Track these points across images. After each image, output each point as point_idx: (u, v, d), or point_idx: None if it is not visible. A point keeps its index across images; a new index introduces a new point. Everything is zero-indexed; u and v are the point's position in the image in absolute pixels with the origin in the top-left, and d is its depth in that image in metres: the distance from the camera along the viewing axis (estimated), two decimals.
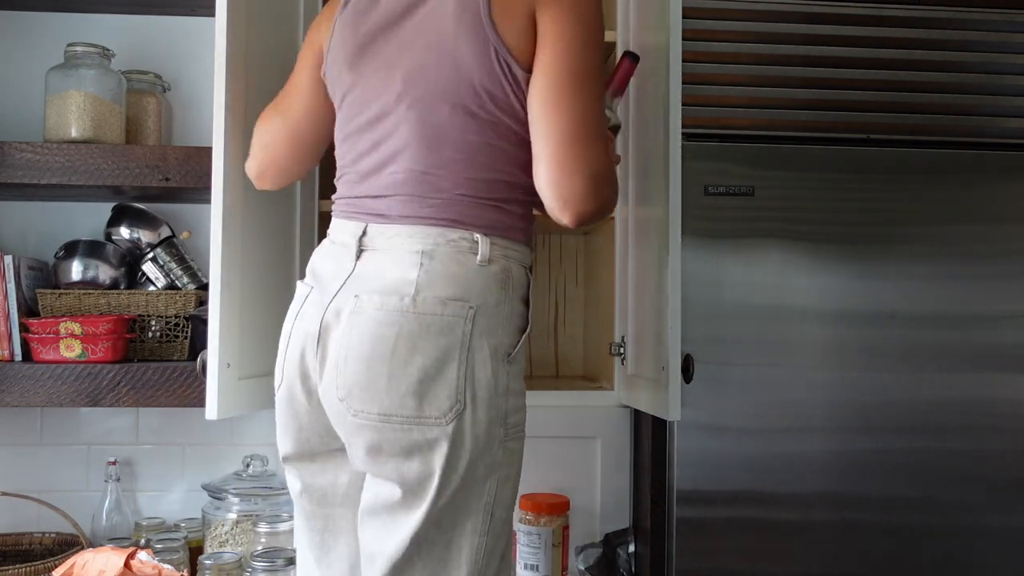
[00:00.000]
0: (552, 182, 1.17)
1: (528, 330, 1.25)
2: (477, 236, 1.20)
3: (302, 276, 1.34)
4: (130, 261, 1.98)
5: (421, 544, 1.16)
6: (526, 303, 1.26)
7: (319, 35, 1.38)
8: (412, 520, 1.16)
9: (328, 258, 1.27)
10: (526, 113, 1.21)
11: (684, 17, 1.52)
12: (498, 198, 1.23)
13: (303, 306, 1.27)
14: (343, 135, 1.31)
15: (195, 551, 1.90)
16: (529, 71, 1.20)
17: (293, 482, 1.33)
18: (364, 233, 1.23)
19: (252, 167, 1.44)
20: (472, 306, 1.17)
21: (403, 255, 1.19)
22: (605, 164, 1.19)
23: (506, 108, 1.21)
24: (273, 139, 1.41)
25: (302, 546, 1.36)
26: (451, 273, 1.18)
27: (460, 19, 1.19)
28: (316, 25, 1.41)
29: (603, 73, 1.24)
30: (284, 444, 1.31)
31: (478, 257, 1.20)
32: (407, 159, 1.23)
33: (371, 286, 1.19)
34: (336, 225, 1.30)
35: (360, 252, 1.22)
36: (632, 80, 1.78)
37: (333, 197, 1.34)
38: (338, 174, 1.33)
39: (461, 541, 1.17)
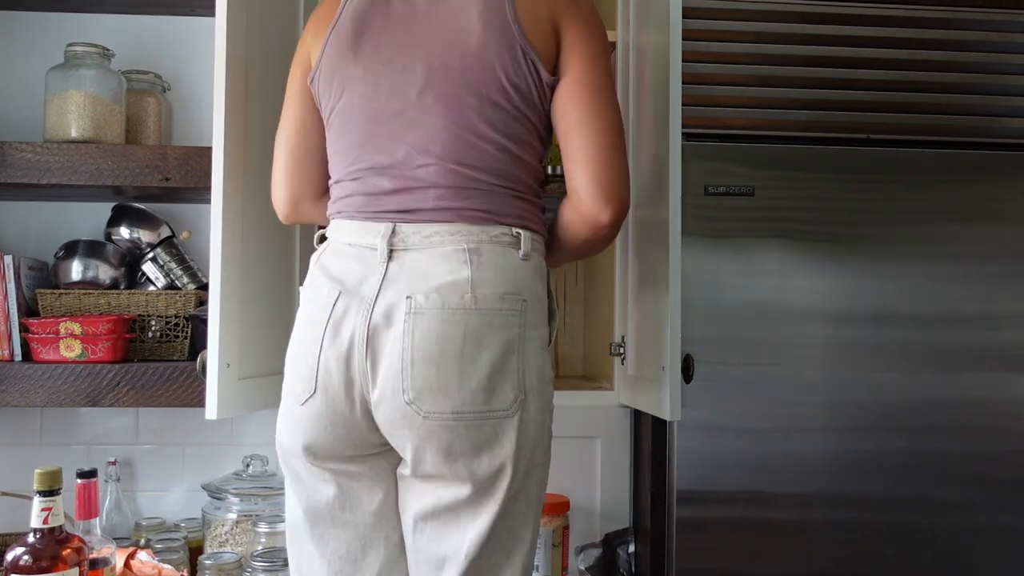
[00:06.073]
0: (601, 180, 1.26)
1: (556, 319, 1.32)
2: (518, 231, 1.25)
3: (302, 277, 1.33)
4: (130, 261, 1.98)
5: (491, 537, 1.21)
6: (550, 293, 1.33)
7: (307, 45, 1.38)
8: (484, 515, 1.20)
9: (350, 261, 1.24)
10: (546, 113, 1.29)
11: (684, 17, 1.52)
12: (526, 190, 1.28)
13: (333, 311, 1.22)
14: (351, 134, 1.30)
15: (195, 551, 1.90)
16: (552, 74, 1.27)
17: (323, 488, 1.27)
18: (393, 233, 1.22)
19: (281, 203, 1.43)
20: (525, 299, 1.22)
21: (448, 253, 1.21)
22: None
23: (530, 103, 1.27)
24: (282, 166, 1.41)
25: (312, 560, 1.30)
26: (500, 268, 1.22)
27: (486, 18, 1.25)
28: (303, 38, 1.40)
29: None
30: (321, 443, 1.24)
31: (520, 252, 1.24)
32: (438, 151, 1.24)
33: (425, 286, 1.19)
34: (348, 227, 1.27)
35: (391, 252, 1.22)
36: (632, 80, 1.79)
37: (335, 198, 1.32)
38: (343, 174, 1.31)
39: (522, 530, 1.23)
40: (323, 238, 1.33)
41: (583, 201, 1.27)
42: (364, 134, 1.28)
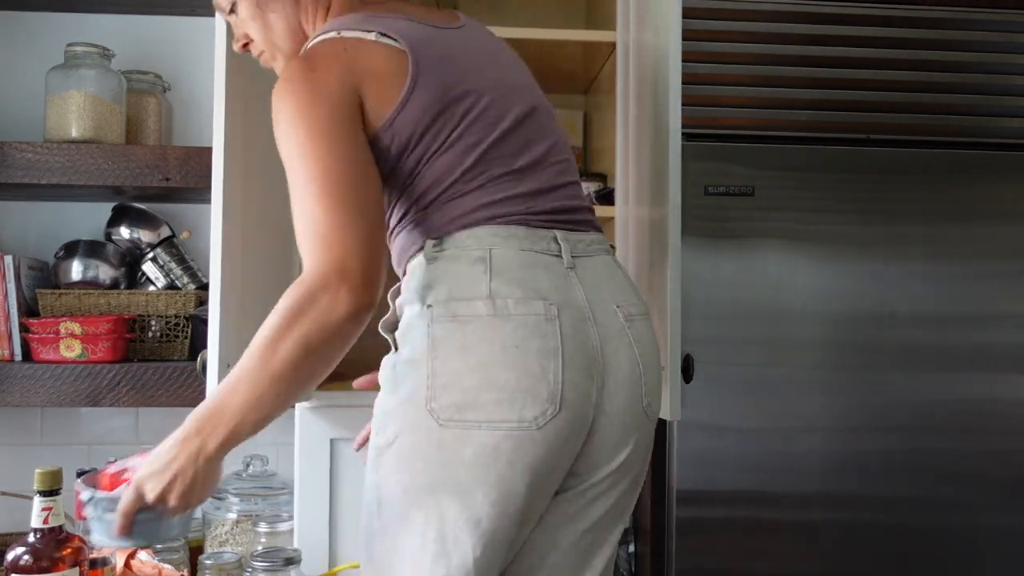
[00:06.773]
0: None
1: None
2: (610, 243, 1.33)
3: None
4: (130, 261, 1.98)
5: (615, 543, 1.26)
6: None
7: (347, 92, 1.14)
8: (625, 519, 1.26)
9: (536, 269, 1.14)
10: None
11: (684, 17, 1.51)
12: None
13: (562, 324, 1.11)
14: (484, 145, 1.18)
15: (195, 551, 1.90)
16: None
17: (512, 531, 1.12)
18: (566, 239, 1.18)
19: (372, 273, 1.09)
20: None
21: (609, 261, 1.24)
22: None
23: None
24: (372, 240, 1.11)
25: None
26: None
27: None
28: (333, 84, 1.14)
29: None
30: (546, 469, 1.11)
31: None
32: (567, 163, 1.27)
33: (624, 294, 1.22)
34: (516, 232, 1.15)
35: (573, 259, 1.17)
36: (632, 80, 1.79)
37: (464, 210, 1.17)
38: (467, 181, 1.17)
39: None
40: (437, 242, 1.16)
41: None
42: (487, 148, 1.18)
